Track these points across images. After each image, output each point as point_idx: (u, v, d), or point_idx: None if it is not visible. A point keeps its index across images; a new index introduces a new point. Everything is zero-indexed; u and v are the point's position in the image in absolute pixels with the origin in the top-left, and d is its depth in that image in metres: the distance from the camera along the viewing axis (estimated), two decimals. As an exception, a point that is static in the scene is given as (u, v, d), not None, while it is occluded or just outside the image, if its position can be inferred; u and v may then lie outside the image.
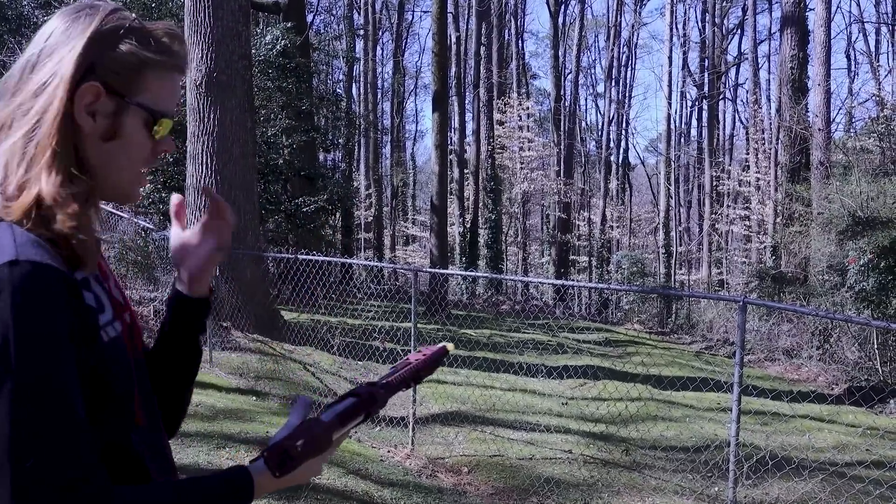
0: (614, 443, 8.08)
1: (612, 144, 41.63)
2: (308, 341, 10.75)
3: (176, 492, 1.15)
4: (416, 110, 74.82)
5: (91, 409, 1.12)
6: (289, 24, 15.51)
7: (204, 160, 10.76)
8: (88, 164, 1.21)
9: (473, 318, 17.77)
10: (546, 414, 9.04)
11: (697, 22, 44.02)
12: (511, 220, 34.07)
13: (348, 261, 7.73)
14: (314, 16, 31.51)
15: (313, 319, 12.82)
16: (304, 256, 7.92)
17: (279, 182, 15.56)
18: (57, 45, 1.20)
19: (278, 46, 14.60)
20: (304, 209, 14.90)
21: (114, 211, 11.62)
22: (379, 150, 40.10)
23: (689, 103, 45.12)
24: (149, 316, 10.60)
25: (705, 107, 38.20)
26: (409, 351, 7.35)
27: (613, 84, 41.65)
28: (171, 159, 12.94)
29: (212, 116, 10.74)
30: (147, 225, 11.54)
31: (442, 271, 8.73)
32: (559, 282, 6.38)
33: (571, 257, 37.00)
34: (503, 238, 31.29)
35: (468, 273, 8.72)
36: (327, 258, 7.75)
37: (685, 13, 42.22)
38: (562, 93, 37.93)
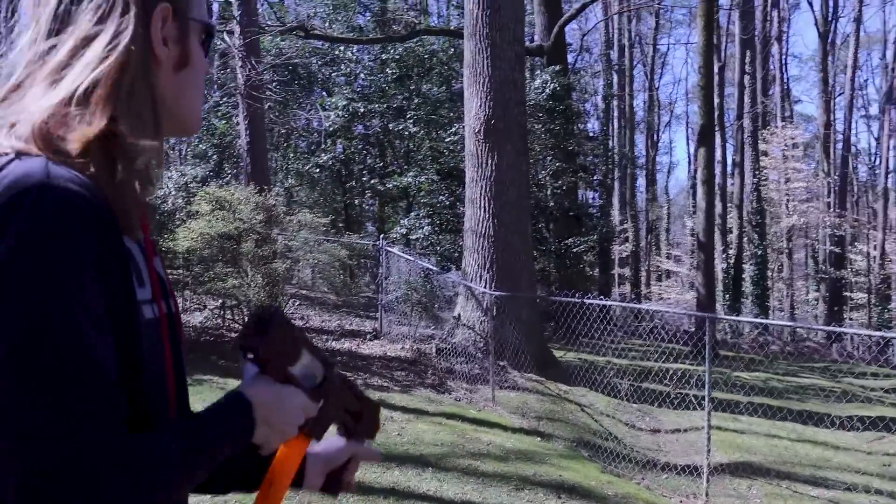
0: (927, 506, 7.39)
1: (889, 170, 38.32)
2: (580, 381, 10.80)
3: (182, 434, 1.01)
4: (670, 142, 73.07)
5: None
6: (557, 68, 15.89)
7: (482, 204, 11.20)
8: (161, 100, 1.07)
9: (742, 360, 16.97)
10: (844, 470, 8.44)
11: None
12: (776, 255, 32.27)
13: (638, 306, 7.74)
14: (577, 56, 31.95)
15: (580, 358, 12.86)
16: (591, 301, 8.01)
17: (546, 223, 15.90)
18: None
19: (547, 90, 15.00)
20: (574, 249, 15.12)
21: (399, 254, 12.41)
22: (634, 185, 39.68)
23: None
24: (431, 353, 11.17)
25: None
26: (705, 398, 7.18)
27: (892, 105, 38.41)
28: (447, 203, 13.62)
29: (489, 162, 11.17)
30: (429, 266, 12.19)
31: (735, 318, 8.44)
32: (877, 333, 5.95)
33: (844, 294, 34.34)
34: (770, 274, 29.70)
35: (763, 321, 8.38)
36: (614, 302, 7.79)
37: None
38: (832, 118, 35.58)
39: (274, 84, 15.27)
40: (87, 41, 1.00)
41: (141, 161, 1.02)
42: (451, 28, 18.09)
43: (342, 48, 18.28)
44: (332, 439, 1.41)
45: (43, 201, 0.90)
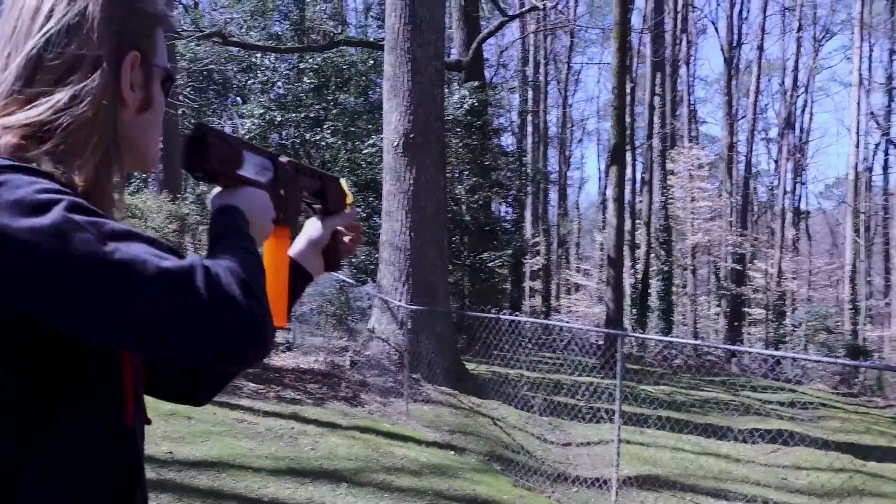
0: (821, 517, 7.76)
1: (786, 192, 40.02)
2: (493, 394, 10.92)
3: (229, 245, 1.09)
4: (581, 158, 74.61)
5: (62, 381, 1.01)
6: (475, 84, 16.07)
7: (399, 217, 11.23)
8: (124, 139, 1.13)
9: (648, 373, 17.41)
10: (743, 482, 8.77)
11: (882, 62, 41.87)
12: (681, 271, 33.28)
13: (552, 322, 7.90)
14: (494, 72, 32.36)
15: (492, 371, 13.00)
16: (507, 317, 8.13)
17: (462, 236, 16.03)
18: (62, 7, 1.07)
19: (465, 105, 15.16)
20: (489, 263, 15.28)
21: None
22: (547, 200, 40.35)
23: (872, 148, 42.78)
24: (344, 365, 11.13)
25: (894, 153, 36.15)
26: (614, 412, 7.37)
27: (790, 130, 40.14)
28: (363, 214, 13.59)
29: (407, 175, 11.22)
30: (344, 278, 12.14)
31: (647, 336, 8.68)
32: (779, 353, 6.22)
33: (744, 309, 35.62)
34: (675, 290, 30.59)
35: (671, 339, 8.65)
36: (530, 319, 7.92)
37: (870, 53, 40.25)
38: (735, 140, 36.96)
39: (189, 90, 14.98)
40: (56, 89, 1.05)
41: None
42: (371, 39, 18.09)
43: (259, 55, 18.07)
44: (308, 225, 1.52)
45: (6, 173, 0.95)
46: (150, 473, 5.67)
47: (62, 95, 1.05)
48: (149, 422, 1.24)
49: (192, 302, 0.94)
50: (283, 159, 1.36)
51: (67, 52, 1.06)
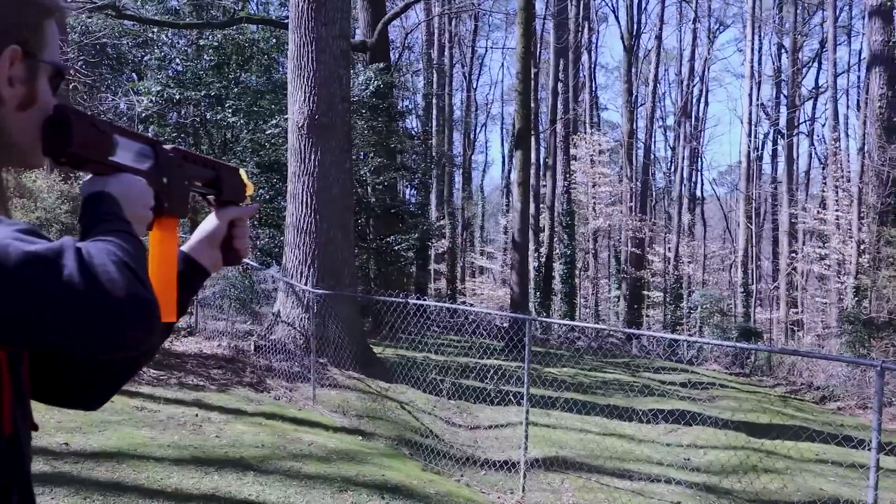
0: (719, 493, 7.99)
1: (683, 178, 41.25)
2: (400, 378, 10.87)
3: (104, 229, 1.05)
4: (485, 141, 75.14)
5: None
6: (381, 65, 15.90)
7: (304, 199, 11.03)
8: (7, 136, 1.10)
9: (552, 356, 17.69)
10: (646, 461, 8.97)
11: (771, 55, 43.50)
12: (584, 255, 33.95)
13: (460, 307, 7.90)
14: (399, 54, 32.17)
15: (399, 354, 12.95)
16: (416, 301, 8.07)
17: (368, 219, 15.90)
18: None
19: (371, 87, 14.98)
20: (395, 247, 15.19)
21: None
22: (452, 183, 40.48)
23: (762, 137, 44.50)
24: (249, 350, 10.88)
25: (782, 143, 37.66)
26: (523, 396, 7.41)
27: (686, 118, 41.34)
28: (267, 197, 13.30)
29: (313, 157, 11.02)
30: (248, 261, 11.86)
31: (550, 320, 8.77)
32: (682, 337, 6.36)
33: (643, 292, 36.63)
34: (577, 273, 31.18)
35: (576, 323, 8.76)
36: (438, 303, 7.87)
37: (760, 46, 41.77)
38: (634, 127, 37.82)
39: (80, 64, 14.32)
40: None
41: None
42: (273, 17, 17.68)
43: (155, 30, 17.43)
44: (207, 218, 1.47)
45: None
46: (44, 466, 5.39)
47: None
48: (35, 427, 1.16)
49: (64, 285, 0.90)
50: (167, 146, 1.28)
51: None
